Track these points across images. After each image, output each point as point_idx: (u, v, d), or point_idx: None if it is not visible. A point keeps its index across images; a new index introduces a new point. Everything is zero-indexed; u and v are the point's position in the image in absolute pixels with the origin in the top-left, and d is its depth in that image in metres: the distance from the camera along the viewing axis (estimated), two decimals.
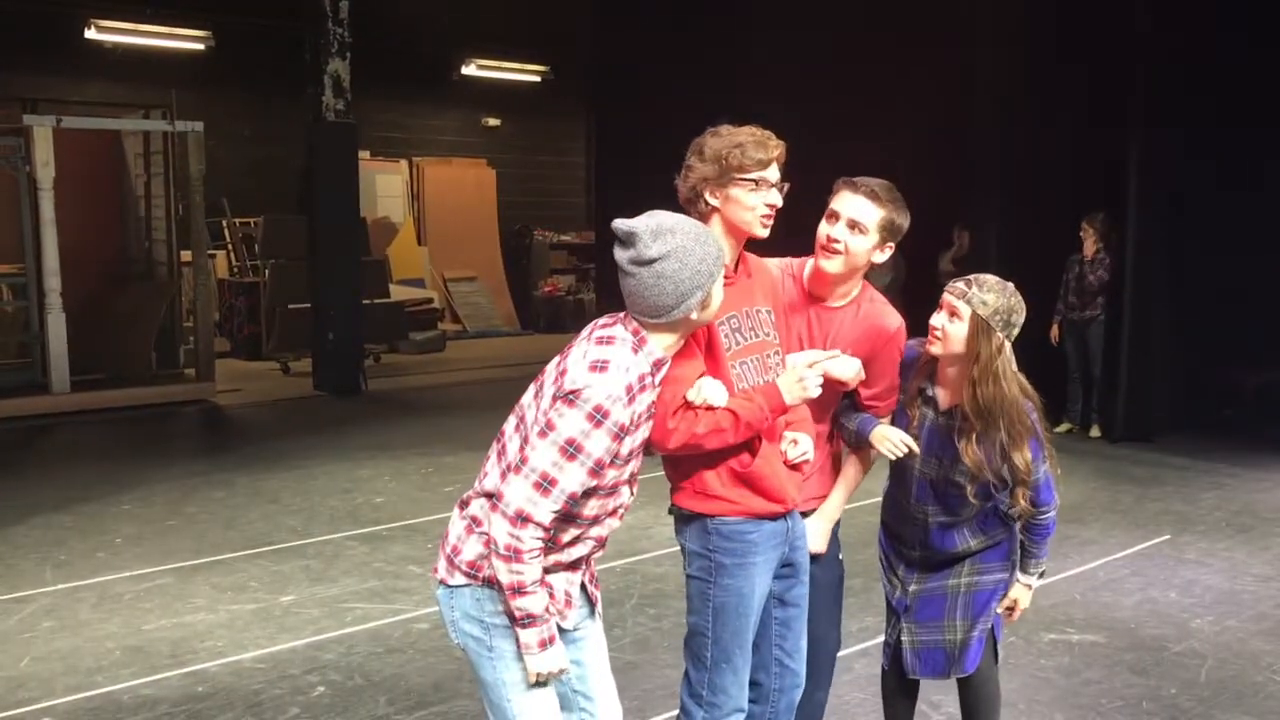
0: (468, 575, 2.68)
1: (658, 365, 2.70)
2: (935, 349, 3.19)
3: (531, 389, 2.72)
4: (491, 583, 2.63)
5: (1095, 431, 9.34)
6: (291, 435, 9.64)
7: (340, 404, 11.24)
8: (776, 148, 2.92)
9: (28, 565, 6.09)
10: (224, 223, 14.46)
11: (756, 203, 2.90)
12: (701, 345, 2.85)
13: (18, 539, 6.54)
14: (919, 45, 10.04)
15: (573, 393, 2.56)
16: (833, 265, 3.15)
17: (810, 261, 3.24)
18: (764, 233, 2.95)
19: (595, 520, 2.72)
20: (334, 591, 5.68)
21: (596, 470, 2.59)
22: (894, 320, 3.26)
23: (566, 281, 18.21)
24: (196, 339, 11.50)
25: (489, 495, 2.66)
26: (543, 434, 2.57)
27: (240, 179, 14.94)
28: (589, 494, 2.64)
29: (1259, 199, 9.10)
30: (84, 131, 11.32)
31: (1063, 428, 9.26)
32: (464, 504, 2.76)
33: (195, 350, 11.55)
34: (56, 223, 10.23)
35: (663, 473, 2.99)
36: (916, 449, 3.23)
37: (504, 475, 2.64)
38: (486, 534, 2.62)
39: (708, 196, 2.91)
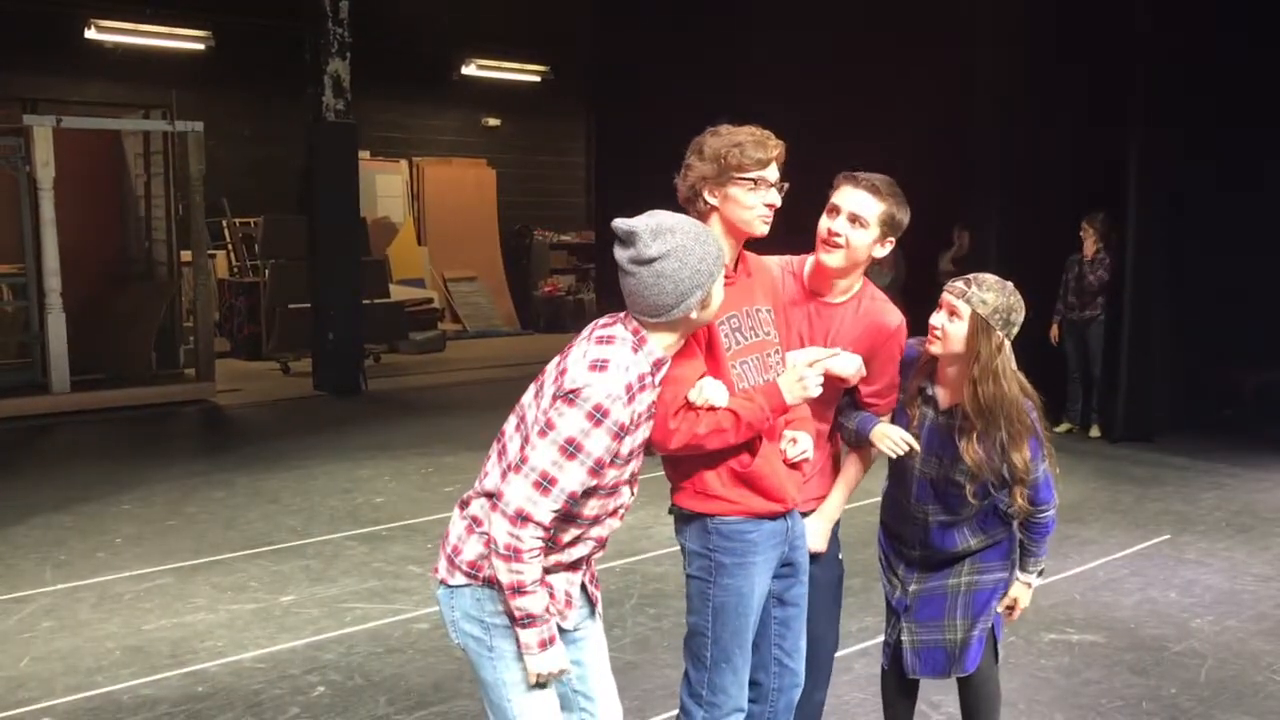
0: (468, 575, 2.68)
1: (658, 365, 2.70)
2: (935, 348, 3.19)
3: (532, 389, 2.72)
4: (492, 583, 2.63)
5: (1095, 431, 9.34)
6: (291, 435, 9.64)
7: (340, 404, 11.24)
8: (776, 147, 2.92)
9: (28, 565, 6.09)
10: (224, 223, 14.46)
11: (755, 202, 2.90)
12: (702, 345, 2.85)
13: (18, 539, 6.54)
14: (919, 45, 10.04)
15: (572, 392, 2.56)
16: (833, 259, 3.15)
17: (811, 258, 3.24)
18: (764, 230, 2.95)
19: (596, 520, 2.72)
20: (334, 591, 5.68)
21: (596, 469, 2.59)
22: (894, 317, 3.26)
23: (566, 281, 18.22)
24: (196, 339, 11.51)
25: (489, 495, 2.66)
26: (543, 433, 2.57)
27: (240, 179, 14.94)
28: (589, 494, 2.64)
29: (1259, 199, 9.10)
30: (84, 131, 11.32)
31: (1063, 428, 9.26)
32: (464, 504, 2.76)
33: (195, 350, 11.56)
34: (56, 223, 10.23)
35: (663, 473, 2.99)
36: (917, 447, 3.23)
37: (504, 475, 2.64)
38: (487, 534, 2.62)
39: (706, 196, 2.91)
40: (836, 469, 3.35)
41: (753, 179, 2.88)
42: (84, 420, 10.16)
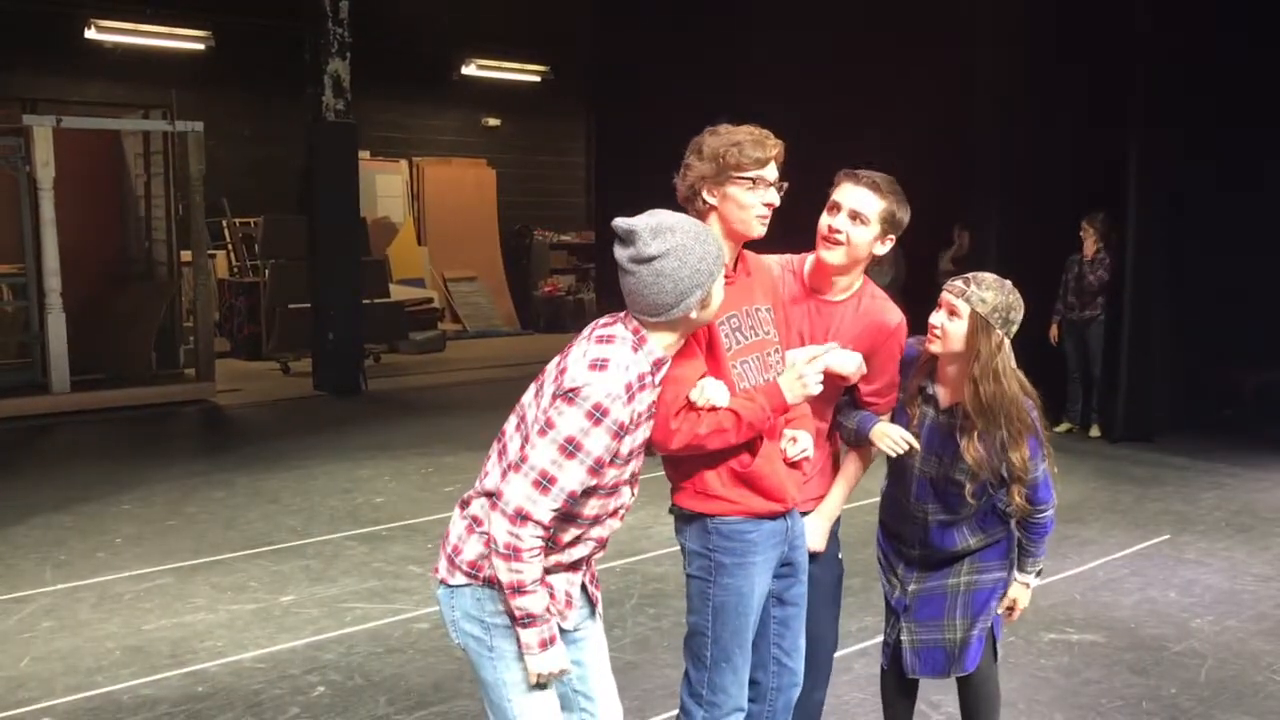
0: (468, 575, 2.68)
1: (658, 364, 2.70)
2: (935, 347, 3.20)
3: (532, 388, 2.72)
4: (492, 582, 2.63)
5: (1095, 431, 9.34)
6: (291, 435, 9.64)
7: (340, 404, 11.24)
8: (774, 147, 2.92)
9: (28, 565, 6.09)
10: (224, 223, 14.46)
11: (754, 201, 2.90)
12: (702, 345, 2.85)
13: (18, 539, 6.54)
14: (919, 45, 10.04)
15: (572, 390, 2.56)
16: (834, 256, 3.15)
17: (811, 257, 3.24)
18: (761, 232, 2.95)
19: (596, 520, 2.72)
20: (334, 591, 5.68)
21: (596, 469, 2.59)
22: (895, 316, 3.26)
23: (566, 281, 18.22)
24: (196, 339, 11.51)
25: (489, 494, 2.66)
26: (542, 432, 2.57)
27: (240, 179, 14.94)
28: (589, 493, 2.64)
29: (1259, 199, 9.10)
30: (84, 131, 11.32)
31: (1062, 427, 9.26)
32: (465, 503, 2.76)
33: (195, 350, 11.56)
34: (56, 223, 10.23)
35: (663, 473, 2.99)
36: (917, 446, 3.23)
37: (504, 474, 2.64)
38: (487, 533, 2.62)
39: (705, 195, 2.91)
40: (836, 468, 3.35)
41: (751, 178, 2.88)
42: (84, 420, 10.16)
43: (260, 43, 14.72)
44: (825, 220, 3.16)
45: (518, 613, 2.59)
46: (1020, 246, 9.11)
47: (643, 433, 2.70)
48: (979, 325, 3.11)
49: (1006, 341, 3.14)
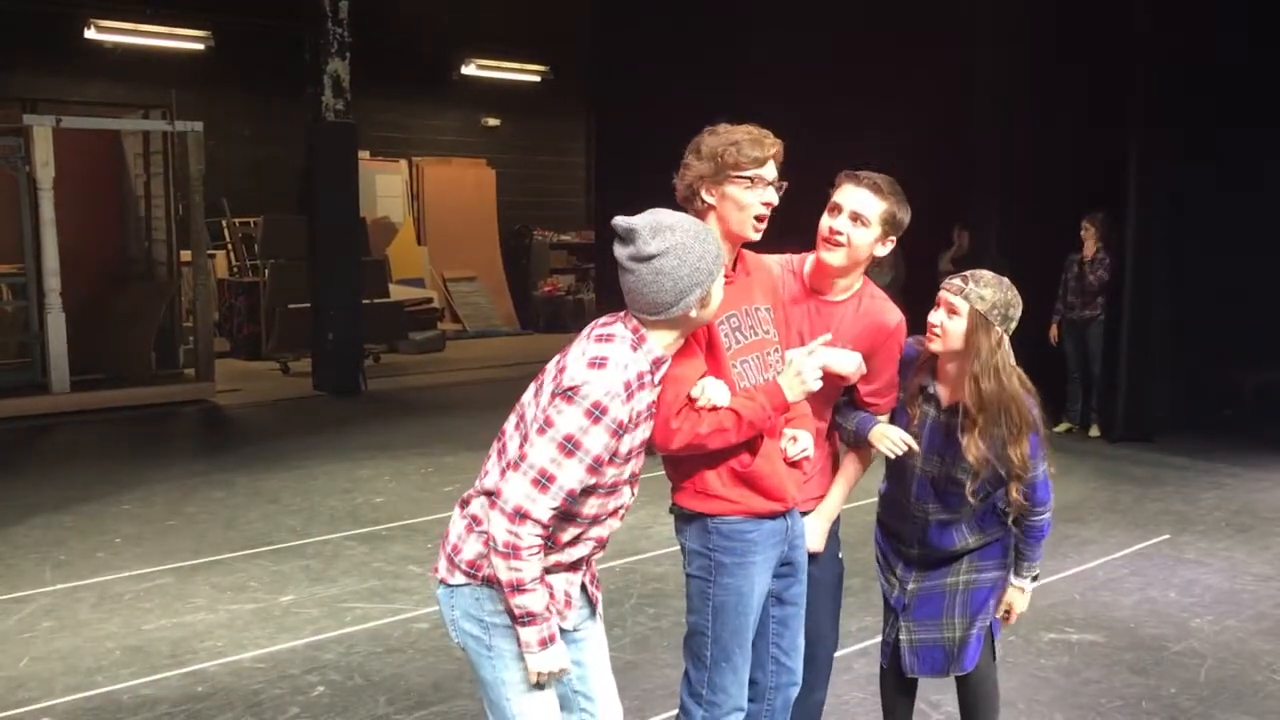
0: (468, 574, 2.68)
1: (657, 364, 2.70)
2: (935, 346, 3.20)
3: (532, 387, 2.72)
4: (491, 582, 2.63)
5: (1095, 431, 9.35)
6: (291, 435, 9.64)
7: (340, 404, 11.24)
8: (773, 146, 2.92)
9: (28, 565, 6.08)
10: (224, 223, 14.46)
11: (752, 200, 2.89)
12: (702, 345, 2.85)
13: (18, 539, 6.54)
14: (919, 45, 10.04)
15: (571, 389, 2.56)
16: (834, 257, 3.15)
17: (811, 257, 3.24)
18: (755, 236, 2.94)
19: (595, 520, 2.72)
20: (333, 591, 5.68)
21: (595, 467, 2.59)
22: (894, 316, 3.26)
23: (566, 281, 18.22)
24: (196, 339, 11.51)
25: (489, 493, 2.66)
26: (541, 431, 2.57)
27: (240, 179, 14.94)
28: (588, 492, 2.64)
29: (1259, 199, 9.10)
30: (84, 131, 11.32)
31: (1062, 427, 9.27)
32: (464, 503, 2.76)
33: (195, 350, 11.56)
34: (56, 223, 10.23)
35: (663, 472, 2.99)
36: (916, 447, 3.23)
37: (503, 473, 2.63)
38: (486, 532, 2.62)
39: (704, 194, 2.91)
40: (835, 468, 3.35)
41: (749, 177, 2.88)
42: (84, 420, 10.16)
43: (260, 43, 14.72)
44: (826, 222, 3.16)
45: (517, 611, 2.59)
46: (1020, 246, 9.11)
47: (642, 432, 2.70)
48: (978, 323, 3.11)
49: (1006, 338, 3.15)
